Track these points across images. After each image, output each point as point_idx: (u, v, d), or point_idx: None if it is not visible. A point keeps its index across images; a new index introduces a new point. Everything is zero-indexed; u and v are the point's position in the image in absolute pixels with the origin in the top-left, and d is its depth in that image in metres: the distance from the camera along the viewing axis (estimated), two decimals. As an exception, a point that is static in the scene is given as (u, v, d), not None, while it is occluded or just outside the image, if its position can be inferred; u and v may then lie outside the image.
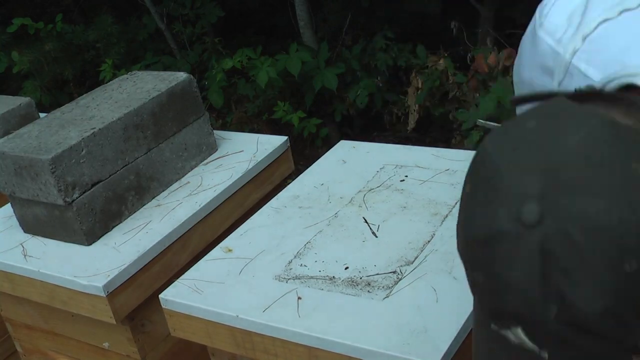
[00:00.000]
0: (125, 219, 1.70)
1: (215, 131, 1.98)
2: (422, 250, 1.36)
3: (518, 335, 0.57)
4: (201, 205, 1.70)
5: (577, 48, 0.82)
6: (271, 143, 1.94)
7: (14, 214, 1.74)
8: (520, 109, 0.86)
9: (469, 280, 0.64)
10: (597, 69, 0.79)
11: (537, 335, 0.55)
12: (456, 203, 1.50)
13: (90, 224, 1.62)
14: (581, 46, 0.82)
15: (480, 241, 0.56)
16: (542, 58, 0.87)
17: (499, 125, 0.62)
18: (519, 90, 0.96)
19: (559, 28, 0.85)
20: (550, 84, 0.86)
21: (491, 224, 0.55)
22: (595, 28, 0.81)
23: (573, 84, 0.82)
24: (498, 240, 0.54)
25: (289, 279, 1.36)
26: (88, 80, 4.78)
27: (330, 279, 1.34)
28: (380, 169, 1.71)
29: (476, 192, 0.58)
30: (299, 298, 1.30)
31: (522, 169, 0.54)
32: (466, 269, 0.63)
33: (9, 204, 1.80)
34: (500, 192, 0.55)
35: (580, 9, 0.84)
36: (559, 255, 0.51)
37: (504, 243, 0.54)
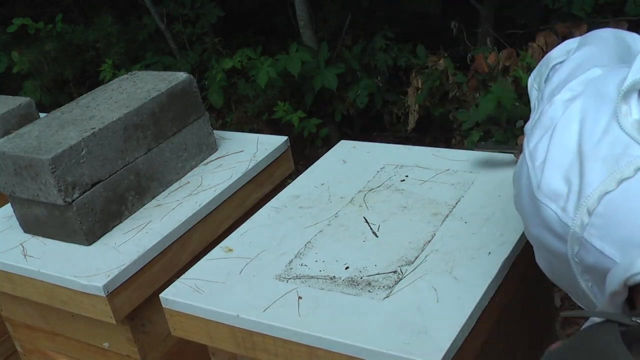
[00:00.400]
0: (125, 219, 1.69)
1: (215, 131, 1.98)
2: (422, 250, 1.36)
3: None
4: (201, 205, 1.70)
5: (586, 222, 0.80)
6: (271, 143, 1.93)
7: (14, 214, 1.74)
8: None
9: None
10: (614, 247, 0.77)
11: None
12: (456, 203, 1.50)
13: (90, 224, 1.62)
14: (589, 220, 0.80)
15: None
16: (549, 223, 0.84)
17: None
18: (530, 239, 0.94)
19: (559, 194, 0.83)
20: (563, 249, 0.84)
21: None
22: (599, 202, 0.78)
23: (590, 258, 0.80)
24: None
25: (289, 278, 1.36)
26: (88, 80, 4.78)
27: (331, 278, 1.34)
28: (381, 169, 1.71)
29: None
30: (300, 298, 1.30)
31: None
32: None
33: (9, 204, 1.80)
34: None
35: (574, 169, 0.82)
36: None
37: None
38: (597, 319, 0.66)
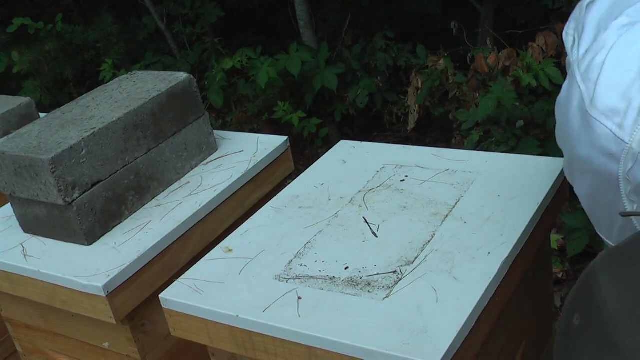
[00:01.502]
0: (125, 219, 1.70)
1: (215, 131, 1.98)
2: (422, 250, 1.37)
3: None
4: (201, 205, 1.70)
5: None
6: (271, 143, 1.94)
7: (14, 214, 1.74)
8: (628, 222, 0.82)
9: None
10: None
11: None
12: (456, 203, 1.50)
13: (90, 224, 1.62)
14: None
15: None
16: (601, 141, 0.82)
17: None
18: (573, 164, 0.91)
19: (615, 110, 0.80)
20: (614, 169, 0.82)
21: None
22: None
23: None
24: None
25: (289, 278, 1.36)
26: (88, 80, 4.78)
27: (331, 278, 1.34)
28: (380, 169, 1.71)
29: (587, 333, 0.56)
30: (299, 298, 1.30)
31: None
32: None
33: (9, 204, 1.80)
34: (616, 348, 0.53)
35: (636, 85, 0.79)
36: None
37: None
38: None
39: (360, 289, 1.29)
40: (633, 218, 0.84)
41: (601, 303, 0.56)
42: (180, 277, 1.44)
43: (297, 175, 1.76)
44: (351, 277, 1.33)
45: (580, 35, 0.96)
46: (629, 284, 0.56)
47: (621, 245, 0.60)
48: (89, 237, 1.62)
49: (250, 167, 1.83)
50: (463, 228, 1.41)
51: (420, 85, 3.58)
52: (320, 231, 1.50)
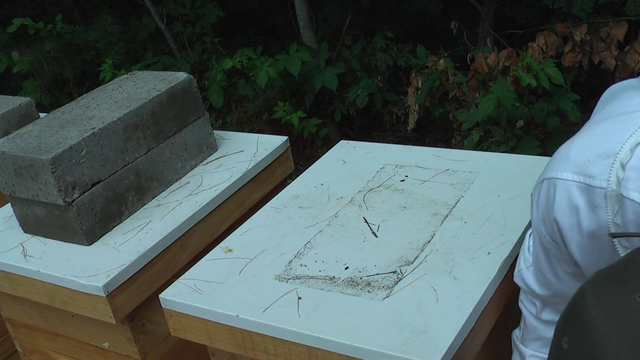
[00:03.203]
0: (125, 219, 1.70)
1: (215, 131, 1.98)
2: (422, 250, 1.36)
3: None
4: (201, 205, 1.70)
5: (621, 177, 0.84)
6: (271, 143, 1.94)
7: (14, 214, 1.74)
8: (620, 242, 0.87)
9: None
10: None
11: None
12: (456, 203, 1.50)
13: (90, 224, 1.62)
14: (624, 175, 0.84)
15: None
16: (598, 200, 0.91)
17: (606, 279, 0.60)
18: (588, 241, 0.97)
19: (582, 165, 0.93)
20: (603, 219, 0.89)
21: None
22: (632, 154, 0.84)
23: (629, 214, 0.84)
24: None
25: (289, 278, 1.36)
26: (88, 80, 4.78)
27: (331, 278, 1.34)
28: (380, 169, 1.71)
29: (575, 355, 0.56)
30: (299, 298, 1.30)
31: (631, 355, 0.53)
32: None
33: (9, 204, 1.80)
34: None
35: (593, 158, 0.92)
36: None
37: None
38: None
39: (360, 289, 1.29)
40: (617, 245, 0.87)
41: (589, 325, 0.56)
42: (180, 277, 1.44)
43: (297, 175, 1.76)
44: (351, 277, 1.33)
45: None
46: (616, 305, 0.56)
47: (609, 267, 0.61)
48: (89, 237, 1.62)
49: (250, 167, 1.83)
50: (463, 228, 1.41)
51: (420, 85, 3.58)
52: (320, 231, 1.50)
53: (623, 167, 0.85)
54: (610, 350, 0.54)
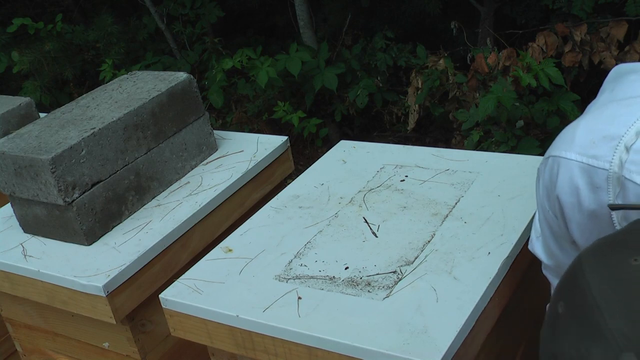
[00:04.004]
0: (125, 219, 1.69)
1: (215, 131, 1.98)
2: (422, 250, 1.36)
3: None
4: (201, 205, 1.70)
5: (625, 160, 0.86)
6: (271, 143, 1.93)
7: (14, 214, 1.74)
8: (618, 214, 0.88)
9: None
10: None
11: None
12: (456, 203, 1.50)
13: (90, 224, 1.62)
14: (628, 157, 0.86)
15: None
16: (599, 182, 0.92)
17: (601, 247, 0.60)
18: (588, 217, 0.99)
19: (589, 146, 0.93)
20: (604, 199, 0.90)
21: None
22: (637, 138, 0.85)
23: (631, 197, 0.85)
24: None
25: (289, 278, 1.36)
26: (88, 80, 4.78)
27: (331, 278, 1.34)
28: (380, 169, 1.71)
29: (571, 319, 0.57)
30: (299, 298, 1.30)
31: (626, 316, 0.53)
32: None
33: (9, 204, 1.80)
34: (599, 332, 0.54)
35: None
36: None
37: None
38: None
39: (360, 289, 1.29)
40: (616, 225, 0.88)
41: (586, 289, 0.57)
42: (180, 277, 1.44)
43: (297, 175, 1.76)
44: (351, 277, 1.33)
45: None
46: (611, 269, 0.57)
47: (606, 236, 0.62)
48: (89, 237, 1.62)
49: (250, 167, 1.83)
50: (463, 228, 1.41)
51: (420, 85, 3.58)
52: (320, 231, 1.50)
53: (627, 150, 0.86)
54: (605, 315, 0.54)
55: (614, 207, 0.83)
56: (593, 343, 0.54)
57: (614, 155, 0.87)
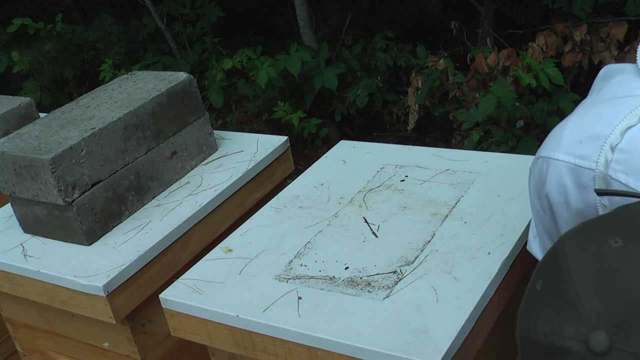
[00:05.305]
0: (125, 219, 1.69)
1: (215, 131, 1.98)
2: (422, 250, 1.36)
3: None
4: (201, 205, 1.70)
5: (610, 159, 0.86)
6: (271, 143, 1.94)
7: (14, 214, 1.74)
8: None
9: None
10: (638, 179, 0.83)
11: None
12: (456, 203, 1.50)
13: (90, 224, 1.62)
14: (613, 157, 0.86)
15: (542, 349, 0.56)
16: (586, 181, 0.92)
17: (583, 228, 0.61)
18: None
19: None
20: (592, 200, 0.91)
21: (556, 338, 0.54)
22: (622, 137, 0.86)
23: (616, 197, 0.85)
24: (559, 355, 0.54)
25: (289, 278, 1.36)
26: (88, 80, 4.78)
27: (331, 278, 1.34)
28: (380, 169, 1.71)
29: (547, 296, 0.57)
30: (299, 298, 1.30)
31: (600, 295, 0.54)
32: (521, 357, 0.62)
33: (9, 204, 1.80)
34: (573, 309, 0.54)
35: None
36: None
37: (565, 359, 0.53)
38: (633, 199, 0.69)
39: (361, 289, 1.29)
40: (599, 207, 0.89)
41: (564, 268, 0.58)
42: (180, 277, 1.44)
43: (297, 175, 1.76)
44: (351, 277, 1.33)
45: None
46: (591, 250, 0.58)
47: (590, 219, 0.63)
48: (89, 237, 1.62)
49: (250, 167, 1.83)
50: (463, 228, 1.41)
51: (420, 85, 3.58)
52: (320, 231, 1.50)
53: (612, 149, 0.87)
54: (580, 290, 0.55)
55: (600, 192, 0.84)
56: (567, 320, 0.54)
57: (599, 155, 0.88)
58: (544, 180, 0.99)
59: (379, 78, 3.92)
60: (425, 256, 1.35)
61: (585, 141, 0.91)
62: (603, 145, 0.88)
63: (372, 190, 1.62)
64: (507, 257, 1.30)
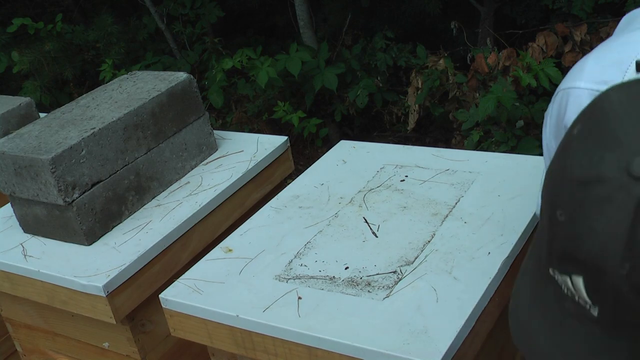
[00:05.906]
0: (125, 219, 1.70)
1: (215, 131, 1.98)
2: (422, 250, 1.36)
3: (577, 284, 0.55)
4: (201, 205, 1.70)
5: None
6: (271, 143, 1.94)
7: (14, 214, 1.74)
8: None
9: (543, 219, 0.60)
10: None
11: (596, 289, 0.53)
12: (456, 203, 1.50)
13: (90, 224, 1.62)
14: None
15: (577, 181, 0.54)
16: None
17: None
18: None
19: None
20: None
21: (596, 167, 0.53)
22: None
23: None
24: (597, 183, 0.53)
25: (289, 278, 1.36)
26: (88, 80, 4.78)
27: (331, 278, 1.34)
28: (380, 169, 1.71)
29: (586, 134, 0.56)
30: (299, 298, 1.30)
31: None
32: (544, 208, 0.60)
33: (9, 204, 1.80)
34: (614, 138, 0.53)
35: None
36: None
37: (603, 188, 0.52)
38: None
39: (360, 289, 1.29)
40: None
41: (607, 107, 0.56)
42: (180, 277, 1.44)
43: (297, 175, 1.76)
44: (351, 277, 1.33)
45: None
46: (637, 92, 0.56)
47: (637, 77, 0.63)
48: (89, 237, 1.62)
49: (250, 167, 1.83)
50: (463, 228, 1.41)
51: (420, 85, 3.58)
52: (320, 231, 1.50)
53: (638, 69, 0.83)
54: (624, 121, 0.54)
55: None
56: (607, 149, 0.53)
57: (624, 78, 0.85)
58: (563, 113, 0.94)
59: (379, 78, 3.92)
60: (425, 256, 1.35)
61: (608, 67, 0.88)
62: (628, 69, 0.85)
63: (372, 190, 1.62)
64: (507, 257, 1.30)
